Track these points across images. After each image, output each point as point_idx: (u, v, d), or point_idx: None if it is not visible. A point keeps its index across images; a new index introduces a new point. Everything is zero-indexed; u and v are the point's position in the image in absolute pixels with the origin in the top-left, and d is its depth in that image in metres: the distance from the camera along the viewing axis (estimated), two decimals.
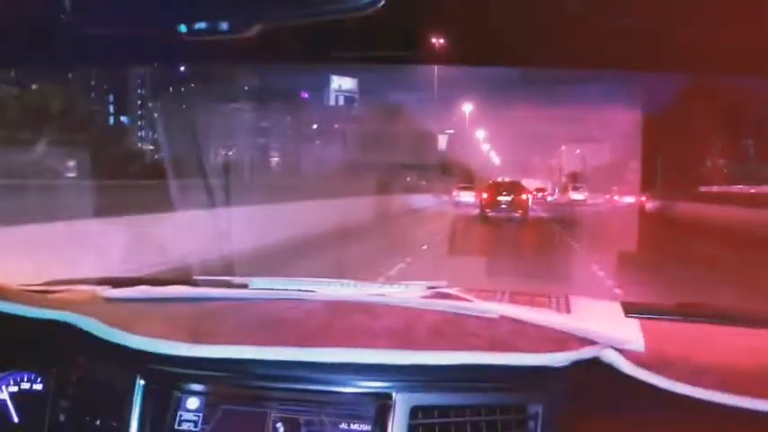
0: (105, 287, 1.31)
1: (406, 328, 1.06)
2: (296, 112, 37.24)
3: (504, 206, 17.51)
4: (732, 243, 8.48)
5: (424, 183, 28.75)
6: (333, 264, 6.94)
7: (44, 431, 1.01)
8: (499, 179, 23.29)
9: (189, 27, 0.89)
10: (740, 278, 5.61)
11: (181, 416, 0.96)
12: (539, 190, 33.22)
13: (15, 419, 1.05)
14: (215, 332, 1.06)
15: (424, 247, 8.79)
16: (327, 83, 37.11)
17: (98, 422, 0.97)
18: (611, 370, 0.94)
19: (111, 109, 33.23)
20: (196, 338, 0.99)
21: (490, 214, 17.40)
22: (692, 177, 19.38)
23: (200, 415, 0.95)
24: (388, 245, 9.76)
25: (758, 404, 0.86)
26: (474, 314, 1.12)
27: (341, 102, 38.40)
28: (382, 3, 0.89)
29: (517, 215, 17.20)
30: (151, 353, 0.97)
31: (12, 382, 1.07)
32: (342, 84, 37.25)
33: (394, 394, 0.91)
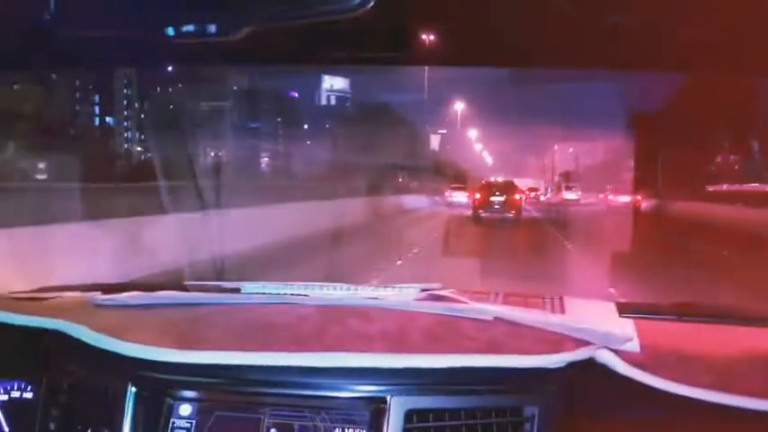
0: (95, 293, 1.31)
1: (400, 331, 1.07)
2: (286, 113, 37.19)
3: (497, 206, 17.55)
4: (747, 245, 8.31)
5: (416, 183, 28.79)
6: (311, 271, 6.86)
7: None
8: (492, 179, 23.35)
9: (177, 30, 0.89)
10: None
11: (173, 423, 0.96)
12: (531, 189, 33.36)
13: (5, 429, 1.04)
14: (207, 338, 1.06)
15: (415, 250, 8.78)
16: (318, 83, 37.10)
17: (89, 431, 0.97)
18: (606, 371, 0.95)
19: (96, 110, 32.81)
20: (188, 344, 0.99)
21: (483, 215, 17.43)
22: (698, 175, 18.95)
23: (193, 422, 0.95)
24: (376, 248, 9.73)
25: (754, 403, 0.87)
26: (468, 316, 1.12)
27: (332, 102, 38.39)
28: (371, 4, 0.90)
29: (510, 215, 17.24)
30: (142, 359, 0.97)
31: (1, 391, 1.06)
32: (333, 84, 37.25)
33: (388, 398, 0.92)
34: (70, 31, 0.96)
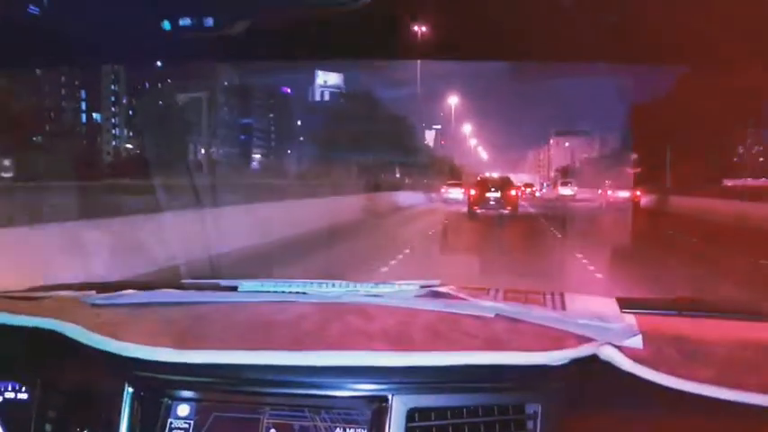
0: (90, 292, 1.30)
1: (400, 328, 1.07)
2: (279, 109, 37.10)
3: (492, 203, 17.56)
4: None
5: (411, 180, 28.84)
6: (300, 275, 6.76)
7: None
8: (487, 175, 23.36)
9: (173, 24, 0.89)
10: None
11: (171, 423, 0.96)
12: (527, 185, 33.46)
13: (0, 430, 1.04)
14: (204, 337, 1.06)
15: (407, 251, 8.76)
16: (311, 79, 37.03)
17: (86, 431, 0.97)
18: (609, 367, 0.95)
19: (65, 106, 32.18)
20: (185, 344, 0.98)
21: (479, 211, 17.44)
22: (714, 168, 17.98)
23: (191, 422, 0.95)
24: (368, 248, 9.70)
25: (756, 398, 0.88)
26: (469, 313, 1.13)
27: (325, 97, 38.32)
28: None
29: (506, 212, 17.26)
30: (139, 359, 0.96)
31: None
32: (326, 79, 37.18)
33: (390, 397, 0.92)
34: (65, 26, 0.96)
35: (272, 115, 36.47)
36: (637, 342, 1.00)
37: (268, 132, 36.68)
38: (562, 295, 1.26)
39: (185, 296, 1.29)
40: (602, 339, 0.99)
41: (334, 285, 1.30)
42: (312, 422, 0.93)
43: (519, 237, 12.18)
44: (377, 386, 0.93)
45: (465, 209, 18.47)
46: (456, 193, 24.52)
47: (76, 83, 32.55)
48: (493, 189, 17.84)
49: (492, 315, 1.12)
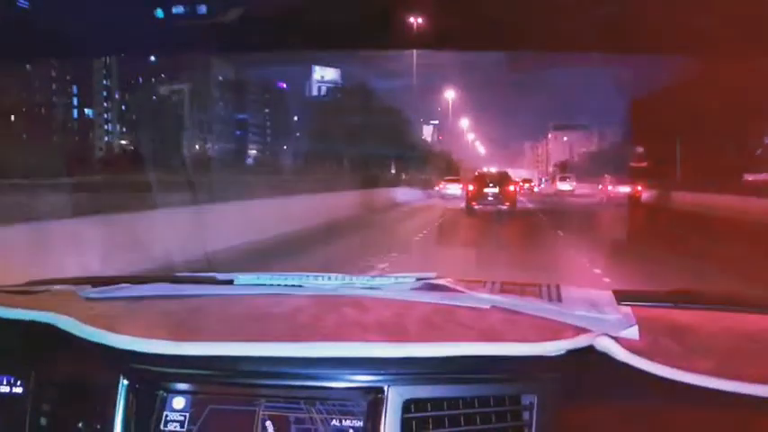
0: (86, 286, 1.31)
1: (396, 320, 1.08)
2: (275, 104, 37.05)
3: (490, 198, 17.56)
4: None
5: (408, 176, 28.86)
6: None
7: None
8: (485, 170, 23.35)
9: (166, 12, 0.89)
10: None
11: (166, 416, 0.96)
12: (525, 181, 33.50)
13: None
14: (199, 329, 1.07)
15: (394, 254, 8.76)
16: (309, 73, 36.97)
17: (81, 425, 0.97)
18: (605, 358, 0.96)
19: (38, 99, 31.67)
20: (180, 336, 0.99)
21: (477, 207, 17.45)
22: (732, 162, 16.83)
23: (187, 415, 0.96)
24: (364, 246, 9.68)
25: (753, 389, 0.89)
26: (465, 305, 1.13)
27: (322, 92, 38.25)
28: None
29: (504, 207, 17.27)
30: (134, 352, 0.97)
31: None
32: (322, 74, 37.11)
33: (386, 388, 0.92)
34: (53, 16, 0.96)
35: (267, 110, 36.42)
36: (633, 333, 1.01)
37: (264, 128, 36.62)
38: (558, 287, 1.27)
39: (181, 289, 1.29)
40: (598, 330, 1.00)
41: (330, 278, 1.30)
42: (308, 414, 0.93)
43: (518, 236, 12.18)
44: (372, 377, 0.94)
45: (463, 204, 18.48)
46: (454, 189, 24.56)
47: (68, 78, 32.41)
48: (491, 184, 17.84)
49: (488, 307, 1.12)
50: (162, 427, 0.95)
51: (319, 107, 35.53)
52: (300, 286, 1.27)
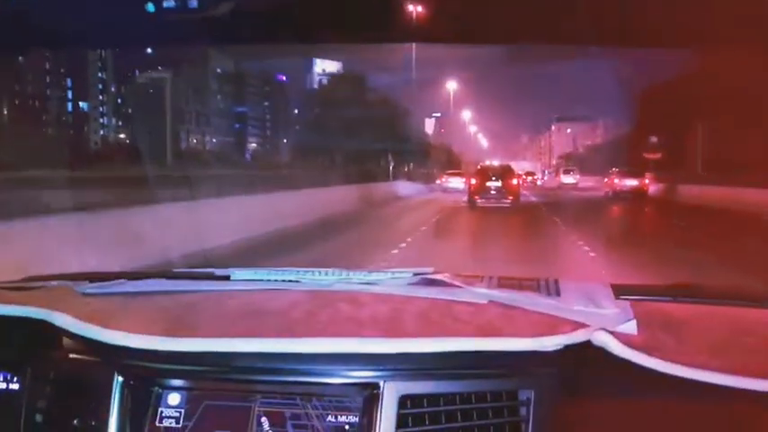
0: (82, 282, 1.32)
1: (392, 315, 1.09)
2: (274, 97, 36.94)
3: (493, 192, 17.50)
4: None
5: (410, 169, 28.82)
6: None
7: None
8: (488, 163, 23.28)
9: (157, 6, 0.89)
10: None
11: (162, 412, 0.97)
12: (528, 174, 33.42)
13: None
14: (195, 325, 1.08)
15: (403, 245, 8.75)
16: (310, 66, 36.83)
17: (76, 421, 0.98)
18: (603, 353, 0.96)
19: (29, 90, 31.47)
20: (175, 332, 1.00)
21: (479, 201, 17.40)
22: (760, 157, 15.88)
23: (182, 411, 0.97)
24: (364, 242, 9.68)
25: (752, 383, 0.89)
26: (462, 300, 1.14)
27: (322, 84, 38.10)
28: None
29: (507, 201, 17.21)
30: (129, 348, 0.97)
31: None
32: (323, 66, 36.96)
33: (382, 384, 0.93)
34: (46, 9, 0.96)
35: (267, 103, 36.33)
36: (631, 327, 1.01)
37: (263, 121, 36.55)
38: (557, 282, 1.27)
39: (177, 285, 1.30)
40: (595, 325, 1.00)
41: (326, 274, 1.31)
42: (303, 410, 0.94)
43: (522, 233, 12.15)
44: (368, 373, 0.94)
45: (465, 198, 18.43)
46: (456, 183, 24.52)
47: (62, 71, 32.33)
48: (494, 178, 17.76)
49: (485, 302, 1.13)
50: (157, 423, 0.97)
51: (320, 99, 35.43)
52: (297, 281, 1.28)
